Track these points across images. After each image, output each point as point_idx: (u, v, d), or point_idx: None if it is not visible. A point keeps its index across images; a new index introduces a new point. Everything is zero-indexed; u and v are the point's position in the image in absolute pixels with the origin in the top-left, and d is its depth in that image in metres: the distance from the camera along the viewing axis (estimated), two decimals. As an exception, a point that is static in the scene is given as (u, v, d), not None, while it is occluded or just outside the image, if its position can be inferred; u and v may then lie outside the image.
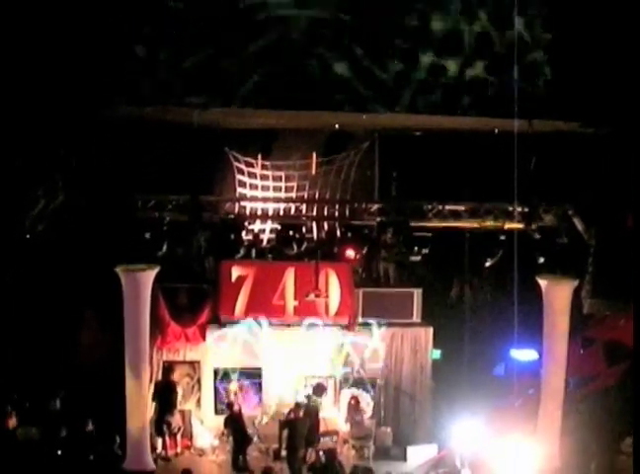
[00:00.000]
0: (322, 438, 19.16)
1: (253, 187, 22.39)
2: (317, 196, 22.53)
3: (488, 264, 21.35)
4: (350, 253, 21.30)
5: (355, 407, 19.96)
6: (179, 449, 19.70)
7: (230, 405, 19.39)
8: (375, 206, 21.25)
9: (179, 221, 20.36)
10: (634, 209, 16.04)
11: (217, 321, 20.33)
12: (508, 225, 20.14)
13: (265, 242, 22.30)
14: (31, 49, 18.30)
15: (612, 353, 19.58)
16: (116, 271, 17.97)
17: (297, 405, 18.85)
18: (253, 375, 20.45)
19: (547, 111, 19.11)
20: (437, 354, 21.04)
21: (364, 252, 21.59)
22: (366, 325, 20.59)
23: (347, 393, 20.45)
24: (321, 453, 17.18)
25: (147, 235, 20.35)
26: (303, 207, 21.99)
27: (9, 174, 18.81)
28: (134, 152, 20.42)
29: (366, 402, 20.41)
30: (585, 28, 19.30)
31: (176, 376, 20.03)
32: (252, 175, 22.31)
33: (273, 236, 22.34)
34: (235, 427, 19.09)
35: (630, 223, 17.21)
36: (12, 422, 18.14)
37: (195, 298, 20.41)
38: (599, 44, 18.99)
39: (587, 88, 18.90)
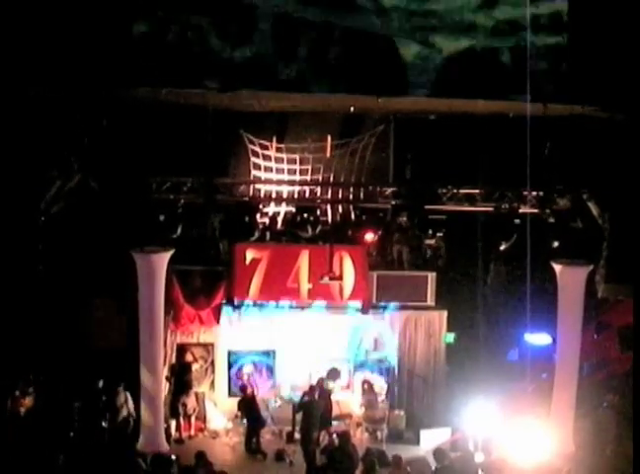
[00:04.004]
0: (335, 422, 19.23)
1: (267, 169, 22.37)
2: (332, 178, 22.49)
3: (502, 247, 21.31)
4: (364, 236, 21.28)
5: (368, 391, 19.99)
6: (192, 432, 19.79)
7: (244, 387, 19.46)
8: (390, 190, 21.16)
9: (193, 204, 20.34)
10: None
11: (231, 304, 20.37)
12: (522, 209, 20.06)
13: (279, 225, 22.29)
14: (46, 31, 18.31)
15: (627, 337, 19.46)
16: (130, 253, 18.02)
17: (312, 388, 18.88)
18: (266, 358, 20.51)
19: (563, 94, 19.02)
20: (450, 337, 21.02)
21: (379, 235, 21.58)
22: (380, 308, 20.64)
23: (360, 376, 20.50)
24: (334, 436, 17.19)
25: (162, 217, 20.37)
26: (318, 190, 21.93)
27: (24, 156, 18.85)
28: (149, 134, 20.41)
29: (380, 385, 20.45)
30: (603, 11, 19.21)
31: (190, 358, 20.11)
32: (266, 157, 22.28)
33: (287, 219, 22.33)
34: (248, 409, 19.16)
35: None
36: (28, 402, 18.29)
37: (209, 281, 20.43)
38: (616, 28, 18.88)
39: (603, 71, 18.79)
